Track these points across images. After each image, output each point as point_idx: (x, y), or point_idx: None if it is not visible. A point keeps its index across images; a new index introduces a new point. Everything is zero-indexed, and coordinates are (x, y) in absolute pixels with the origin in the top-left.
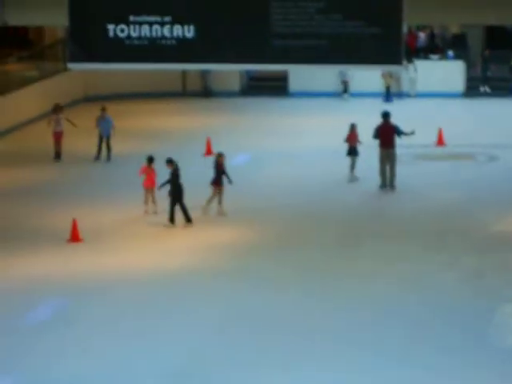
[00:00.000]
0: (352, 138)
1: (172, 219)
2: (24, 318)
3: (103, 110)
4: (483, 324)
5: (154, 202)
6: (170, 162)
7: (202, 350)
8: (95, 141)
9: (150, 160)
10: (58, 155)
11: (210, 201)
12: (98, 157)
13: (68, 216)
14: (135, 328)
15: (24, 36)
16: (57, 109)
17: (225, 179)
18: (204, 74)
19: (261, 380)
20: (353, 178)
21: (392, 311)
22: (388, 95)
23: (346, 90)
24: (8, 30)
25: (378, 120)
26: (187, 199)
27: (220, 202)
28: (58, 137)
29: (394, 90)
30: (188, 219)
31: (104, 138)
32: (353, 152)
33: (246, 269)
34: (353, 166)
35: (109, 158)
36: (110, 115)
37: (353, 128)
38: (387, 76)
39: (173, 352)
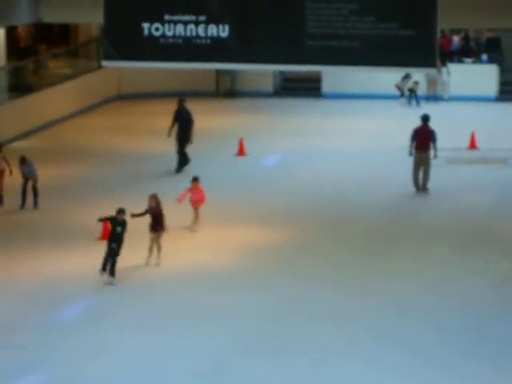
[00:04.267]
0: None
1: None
2: (55, 314)
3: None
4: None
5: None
6: (121, 211)
7: (232, 345)
8: (111, 139)
9: (195, 179)
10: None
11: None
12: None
13: (100, 214)
14: (166, 325)
15: (63, 33)
16: None
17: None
18: (228, 75)
19: (293, 373)
20: None
21: (416, 312)
22: (412, 98)
23: (402, 95)
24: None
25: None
26: (219, 200)
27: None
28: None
29: (430, 93)
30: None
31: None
32: None
33: (278, 266)
34: None
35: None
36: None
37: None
38: (410, 81)
39: (203, 349)
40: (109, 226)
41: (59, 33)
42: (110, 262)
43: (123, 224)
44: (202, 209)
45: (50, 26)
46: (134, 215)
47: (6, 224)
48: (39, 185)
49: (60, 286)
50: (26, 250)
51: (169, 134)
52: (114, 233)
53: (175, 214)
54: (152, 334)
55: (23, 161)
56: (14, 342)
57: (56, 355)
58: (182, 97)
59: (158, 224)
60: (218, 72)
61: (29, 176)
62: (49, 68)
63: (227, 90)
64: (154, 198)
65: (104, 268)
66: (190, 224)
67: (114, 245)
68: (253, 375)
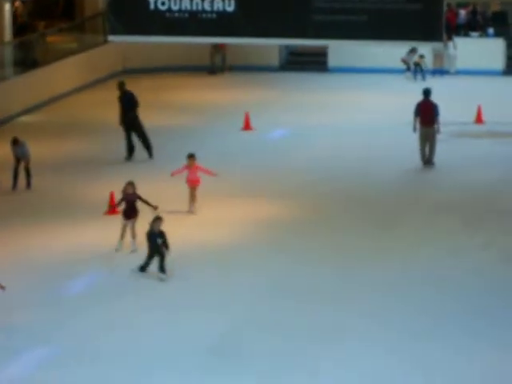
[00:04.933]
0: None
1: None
2: (64, 288)
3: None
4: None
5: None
6: (158, 220)
7: (245, 320)
8: (117, 114)
9: (191, 157)
10: None
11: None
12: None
13: (106, 188)
14: (179, 300)
15: (68, 7)
16: None
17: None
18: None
19: (302, 351)
20: None
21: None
22: (417, 72)
23: (408, 69)
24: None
25: (411, 97)
26: (226, 174)
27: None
28: None
29: (436, 66)
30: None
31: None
32: None
33: (282, 244)
34: None
35: (28, 184)
36: (24, 141)
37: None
38: (418, 55)
39: (217, 324)
40: (115, 199)
41: (64, 7)
42: (157, 261)
43: (162, 235)
44: (207, 184)
45: (52, 2)
46: (117, 204)
47: (7, 203)
48: (36, 163)
49: (68, 261)
50: (30, 224)
51: (121, 122)
52: (155, 244)
53: (172, 193)
54: (164, 307)
55: (15, 142)
56: (21, 318)
57: (63, 331)
58: (121, 80)
59: (132, 211)
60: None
61: (21, 157)
62: (48, 45)
63: (216, 66)
64: (131, 185)
65: (143, 269)
66: (188, 206)
67: (157, 252)
68: (263, 349)
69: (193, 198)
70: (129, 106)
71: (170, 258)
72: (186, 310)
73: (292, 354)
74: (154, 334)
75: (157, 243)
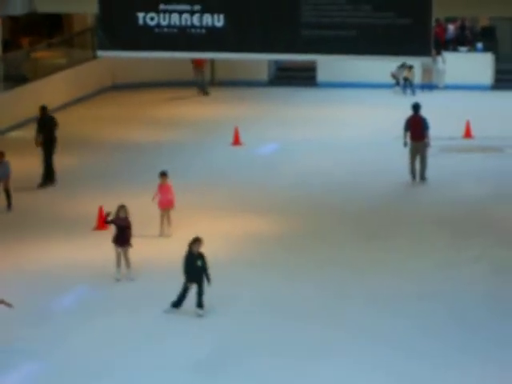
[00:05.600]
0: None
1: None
2: (52, 303)
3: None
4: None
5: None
6: (196, 241)
7: (233, 336)
8: (106, 129)
9: (163, 175)
10: None
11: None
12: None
13: (95, 204)
14: (166, 314)
15: (56, 22)
16: None
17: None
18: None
19: (289, 367)
20: None
21: (413, 302)
22: (406, 87)
23: (398, 83)
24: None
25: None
26: (217, 190)
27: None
28: None
29: (425, 81)
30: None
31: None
32: None
33: (272, 259)
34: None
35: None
36: (7, 160)
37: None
38: (407, 69)
39: (203, 340)
40: (103, 213)
41: (51, 23)
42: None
43: (202, 257)
44: (196, 199)
45: (36, 18)
46: (107, 222)
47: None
48: (25, 179)
49: (58, 277)
50: (19, 240)
51: (37, 144)
52: (194, 267)
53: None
54: (150, 321)
55: None
56: (13, 333)
57: (53, 347)
58: (43, 105)
59: (124, 237)
60: (213, 62)
61: (1, 177)
62: (37, 60)
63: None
64: (123, 209)
65: (176, 305)
66: (160, 230)
67: (194, 282)
68: (251, 369)
69: (167, 220)
70: (49, 131)
71: (158, 271)
72: (174, 326)
73: (280, 371)
74: (141, 349)
75: (196, 266)
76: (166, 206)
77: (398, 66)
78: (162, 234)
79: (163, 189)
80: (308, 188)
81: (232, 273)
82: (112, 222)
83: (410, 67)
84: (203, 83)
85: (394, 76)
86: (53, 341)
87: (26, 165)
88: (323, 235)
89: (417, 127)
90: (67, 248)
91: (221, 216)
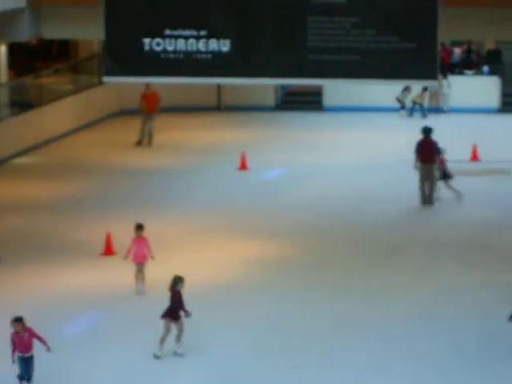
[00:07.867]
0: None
1: None
2: (60, 329)
3: None
4: None
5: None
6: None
7: (238, 364)
8: (114, 155)
9: (139, 227)
10: None
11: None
12: None
13: (103, 229)
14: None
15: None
16: None
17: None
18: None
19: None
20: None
21: (424, 324)
22: (414, 110)
23: (403, 107)
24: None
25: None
26: (223, 215)
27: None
28: None
29: (432, 105)
30: None
31: None
32: (447, 176)
33: (276, 283)
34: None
35: None
36: None
37: (442, 151)
38: (423, 93)
39: (206, 365)
40: (111, 240)
41: (58, 49)
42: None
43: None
44: (201, 224)
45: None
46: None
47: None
48: (32, 204)
49: (66, 303)
50: (27, 265)
51: None
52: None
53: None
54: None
55: None
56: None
57: (60, 370)
58: None
59: (177, 311)
60: (220, 87)
61: None
62: (43, 86)
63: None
64: (182, 282)
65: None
66: (135, 286)
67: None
68: None
69: (141, 276)
70: None
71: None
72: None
73: None
74: (142, 373)
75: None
76: (141, 260)
77: (402, 90)
78: (137, 292)
79: (139, 242)
80: (314, 212)
81: (234, 297)
82: (173, 293)
83: (425, 89)
84: (150, 132)
85: (398, 100)
86: (59, 367)
87: (32, 191)
88: (329, 260)
89: (427, 150)
90: (74, 273)
91: (227, 241)
